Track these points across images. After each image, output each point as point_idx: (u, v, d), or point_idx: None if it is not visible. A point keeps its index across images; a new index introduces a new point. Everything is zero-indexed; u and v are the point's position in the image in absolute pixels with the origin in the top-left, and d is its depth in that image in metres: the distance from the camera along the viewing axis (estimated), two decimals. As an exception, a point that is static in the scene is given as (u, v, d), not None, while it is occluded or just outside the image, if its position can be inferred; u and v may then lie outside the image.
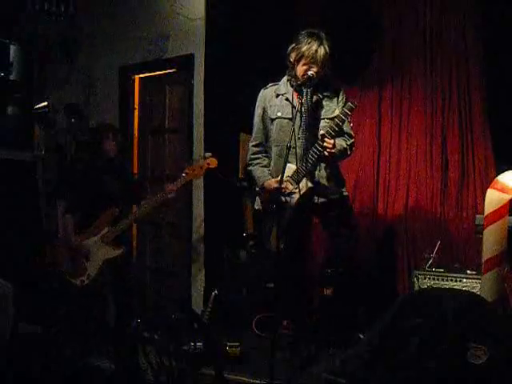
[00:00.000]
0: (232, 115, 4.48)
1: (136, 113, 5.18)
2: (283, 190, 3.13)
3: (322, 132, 3.06)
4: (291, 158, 3.08)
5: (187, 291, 4.66)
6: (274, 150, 3.33)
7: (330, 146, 3.05)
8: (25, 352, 3.45)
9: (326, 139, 3.04)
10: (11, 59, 5.09)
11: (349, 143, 3.29)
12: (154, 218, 4.96)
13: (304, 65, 3.19)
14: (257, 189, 3.37)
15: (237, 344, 3.46)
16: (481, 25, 3.87)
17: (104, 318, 3.88)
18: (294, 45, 3.23)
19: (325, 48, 3.16)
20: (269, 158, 3.37)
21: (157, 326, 3.80)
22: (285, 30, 4.47)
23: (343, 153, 3.27)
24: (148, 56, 4.90)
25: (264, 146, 3.39)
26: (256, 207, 3.40)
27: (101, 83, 5.23)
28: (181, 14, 4.67)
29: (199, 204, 4.60)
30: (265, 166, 3.37)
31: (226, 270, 4.33)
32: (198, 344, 3.41)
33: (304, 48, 3.16)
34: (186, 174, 3.69)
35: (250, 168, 3.43)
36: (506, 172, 3.19)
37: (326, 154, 3.10)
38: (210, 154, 3.77)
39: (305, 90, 3.23)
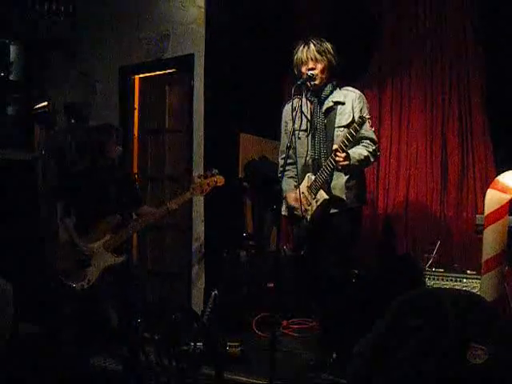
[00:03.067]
0: (232, 115, 4.48)
1: (136, 113, 5.17)
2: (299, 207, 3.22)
3: (335, 146, 3.02)
4: (305, 167, 3.24)
5: (187, 291, 4.66)
6: (299, 161, 3.34)
7: (342, 159, 3.00)
8: (25, 352, 3.45)
9: (337, 153, 3.00)
10: (11, 59, 5.10)
11: (371, 149, 3.16)
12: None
13: (302, 68, 3.22)
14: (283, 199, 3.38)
15: (237, 344, 3.46)
16: (480, 24, 3.87)
17: (103, 321, 3.87)
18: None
19: (313, 44, 3.18)
20: (297, 169, 3.36)
21: (157, 326, 3.80)
22: (285, 29, 4.49)
23: (363, 161, 3.14)
24: (148, 56, 4.90)
25: (292, 159, 3.37)
26: (282, 212, 3.41)
27: (101, 83, 5.22)
28: (181, 13, 4.67)
29: (199, 204, 4.60)
30: (291, 178, 3.37)
31: (225, 270, 4.33)
32: (198, 344, 3.41)
33: (295, 57, 3.25)
34: (193, 189, 3.64)
35: (280, 180, 3.38)
36: (506, 172, 3.19)
37: (340, 167, 3.09)
38: (216, 170, 3.74)
39: (312, 99, 3.26)
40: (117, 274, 3.69)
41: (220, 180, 3.68)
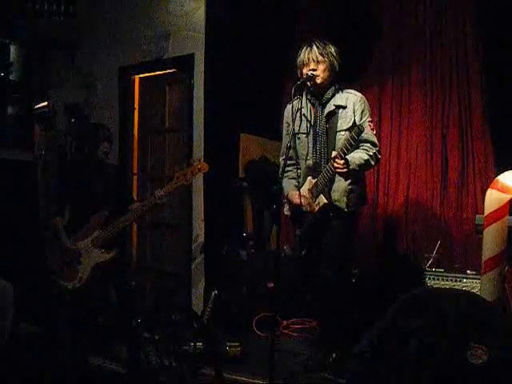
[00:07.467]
0: (232, 115, 4.48)
1: (136, 113, 5.18)
2: (303, 206, 3.24)
3: (334, 153, 3.03)
4: (307, 169, 3.27)
5: (187, 291, 4.66)
6: (301, 163, 3.35)
7: (340, 166, 3.01)
8: (25, 352, 3.45)
9: (336, 160, 3.00)
10: (11, 59, 5.10)
11: (371, 153, 3.16)
12: (153, 219, 4.97)
13: (304, 70, 3.22)
14: (284, 200, 3.40)
15: (237, 344, 3.46)
16: (481, 24, 3.87)
17: (99, 319, 3.87)
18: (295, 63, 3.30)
19: (315, 45, 3.19)
20: (298, 170, 3.36)
21: (157, 326, 3.80)
22: (285, 29, 4.49)
23: (363, 165, 3.14)
24: (148, 56, 4.90)
25: (293, 159, 3.37)
26: (285, 212, 3.45)
27: (101, 83, 5.23)
28: (181, 13, 4.67)
29: (199, 204, 4.60)
30: (293, 178, 3.37)
31: (225, 270, 4.33)
32: (198, 344, 3.41)
33: (298, 58, 3.26)
34: (177, 178, 3.63)
35: (281, 180, 3.37)
36: (506, 172, 3.19)
37: (338, 174, 3.10)
38: (200, 157, 3.74)
39: (313, 101, 3.27)
40: (110, 269, 3.69)
41: (203, 166, 3.64)
